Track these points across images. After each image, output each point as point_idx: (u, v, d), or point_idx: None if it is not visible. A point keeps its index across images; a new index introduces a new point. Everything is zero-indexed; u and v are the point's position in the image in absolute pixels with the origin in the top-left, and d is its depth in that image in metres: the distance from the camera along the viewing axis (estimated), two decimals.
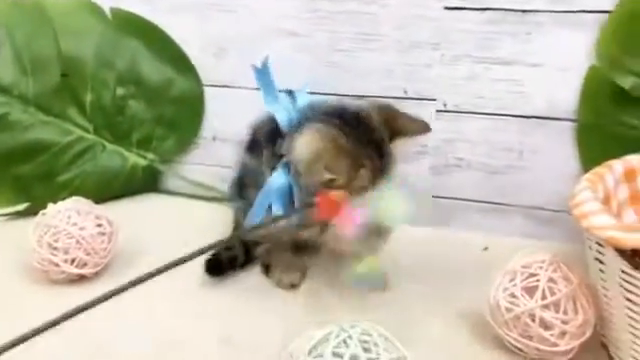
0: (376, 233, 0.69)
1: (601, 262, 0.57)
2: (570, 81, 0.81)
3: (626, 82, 0.78)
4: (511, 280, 0.61)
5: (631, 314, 0.53)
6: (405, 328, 0.64)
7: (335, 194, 0.62)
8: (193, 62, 0.98)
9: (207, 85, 0.98)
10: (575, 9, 0.79)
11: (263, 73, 0.68)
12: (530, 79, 0.83)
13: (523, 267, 0.61)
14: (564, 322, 0.58)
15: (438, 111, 0.87)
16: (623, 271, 0.52)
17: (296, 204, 0.65)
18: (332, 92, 0.86)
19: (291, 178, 0.65)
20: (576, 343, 0.58)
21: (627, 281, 0.52)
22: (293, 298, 0.73)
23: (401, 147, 0.66)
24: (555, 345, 0.58)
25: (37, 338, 0.46)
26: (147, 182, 1.02)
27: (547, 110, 0.83)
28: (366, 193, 0.63)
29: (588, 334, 0.59)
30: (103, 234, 0.75)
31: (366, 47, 0.88)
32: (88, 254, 0.73)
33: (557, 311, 0.58)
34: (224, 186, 0.90)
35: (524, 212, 0.88)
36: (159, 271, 0.51)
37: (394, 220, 0.66)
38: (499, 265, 0.63)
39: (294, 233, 0.70)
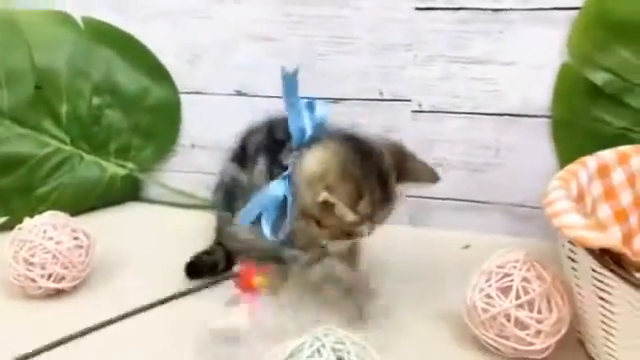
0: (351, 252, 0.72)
1: (573, 260, 0.57)
2: (544, 78, 0.81)
3: (598, 78, 0.78)
4: (487, 280, 0.61)
5: (604, 311, 0.54)
6: (384, 330, 0.65)
7: (256, 280, 0.68)
8: (168, 70, 0.97)
9: (183, 92, 0.98)
10: (546, 6, 0.79)
11: (290, 81, 0.64)
12: (504, 77, 0.83)
13: (498, 267, 0.61)
14: (539, 321, 0.58)
15: (414, 111, 0.88)
16: (594, 270, 0.53)
17: (288, 218, 0.64)
18: (308, 96, 0.85)
19: (289, 191, 0.64)
20: (552, 341, 0.59)
21: (598, 279, 0.53)
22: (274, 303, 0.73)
23: (405, 191, 0.65)
24: (531, 344, 0.58)
25: None
26: (127, 191, 1.02)
27: (522, 107, 0.84)
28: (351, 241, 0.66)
29: (563, 331, 0.59)
30: (80, 247, 0.75)
31: (340, 50, 0.88)
32: (65, 268, 0.73)
33: (531, 310, 0.58)
34: (205, 193, 0.89)
35: (503, 209, 0.88)
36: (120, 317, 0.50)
37: None
38: (478, 264, 0.63)
39: (278, 251, 0.70)
